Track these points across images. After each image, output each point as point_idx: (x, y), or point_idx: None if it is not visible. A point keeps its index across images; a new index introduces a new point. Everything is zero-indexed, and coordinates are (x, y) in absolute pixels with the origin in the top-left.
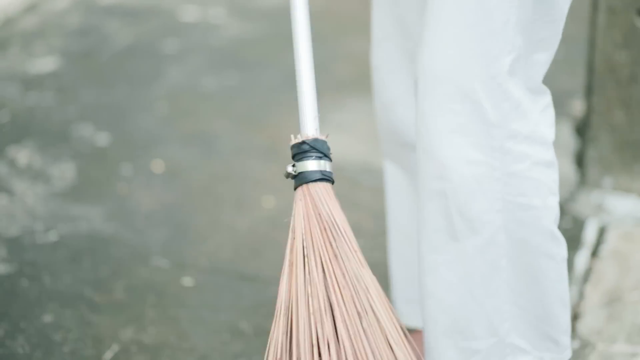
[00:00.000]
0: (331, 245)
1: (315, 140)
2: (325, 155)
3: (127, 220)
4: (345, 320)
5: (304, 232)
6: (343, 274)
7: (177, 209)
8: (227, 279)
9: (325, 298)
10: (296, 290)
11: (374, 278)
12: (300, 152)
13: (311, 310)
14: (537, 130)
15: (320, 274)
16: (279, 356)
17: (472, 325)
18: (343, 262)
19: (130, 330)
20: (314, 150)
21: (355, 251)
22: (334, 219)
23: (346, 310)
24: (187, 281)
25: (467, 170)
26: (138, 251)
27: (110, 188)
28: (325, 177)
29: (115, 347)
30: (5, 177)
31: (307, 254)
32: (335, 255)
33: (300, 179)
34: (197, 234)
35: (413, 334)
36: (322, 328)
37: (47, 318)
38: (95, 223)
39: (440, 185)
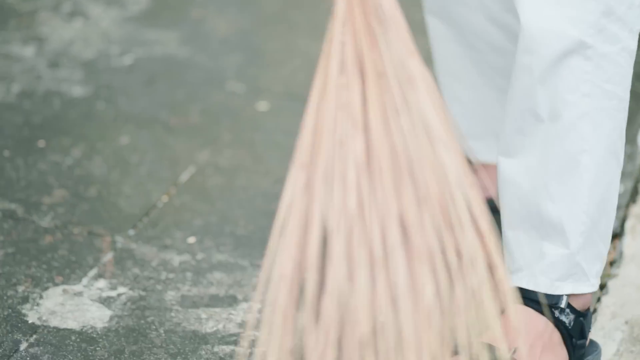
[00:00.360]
0: (373, 31)
1: None
2: None
3: (202, 44)
4: (378, 116)
5: (344, 17)
6: (383, 63)
7: (252, 34)
8: (302, 104)
9: (360, 90)
10: (328, 81)
11: (425, 72)
12: None
13: (340, 103)
14: (629, 14)
15: (356, 64)
16: (305, 159)
17: (545, 224)
18: (386, 50)
19: (206, 152)
20: None
21: (404, 39)
22: (381, 2)
23: (380, 103)
24: (262, 105)
25: (557, 44)
26: (213, 75)
27: (185, 13)
28: None
29: (191, 169)
30: (80, 0)
31: (343, 40)
32: (377, 42)
33: None
34: (272, 59)
35: (488, 168)
36: (351, 122)
37: (124, 140)
38: (170, 47)
39: (528, 59)
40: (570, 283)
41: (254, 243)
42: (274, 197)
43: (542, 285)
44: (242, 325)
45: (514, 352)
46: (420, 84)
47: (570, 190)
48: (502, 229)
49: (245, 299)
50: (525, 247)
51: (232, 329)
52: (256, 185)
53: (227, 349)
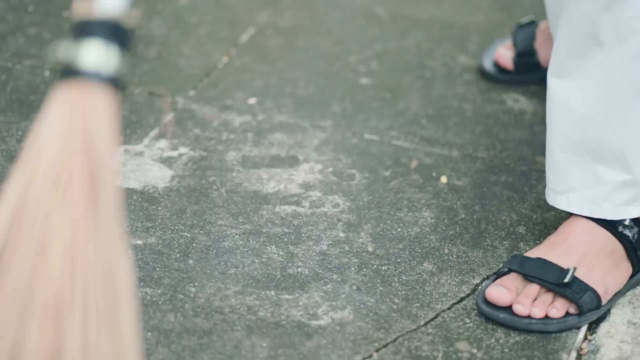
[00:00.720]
0: (93, 201)
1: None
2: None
3: None
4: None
5: (58, 162)
6: (96, 257)
7: None
8: None
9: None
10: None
11: (129, 282)
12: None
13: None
14: None
15: (59, 249)
16: None
17: (602, 149)
18: (101, 235)
19: (266, 13)
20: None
21: (117, 236)
22: (105, 160)
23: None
24: None
25: None
26: None
27: None
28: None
29: (251, 30)
30: None
31: (53, 199)
32: (96, 221)
33: (72, 72)
34: None
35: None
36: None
37: (183, 0)
38: None
39: None
40: (638, 206)
41: (314, 104)
42: (334, 58)
43: (606, 212)
44: (303, 185)
45: (574, 270)
46: (123, 300)
47: (632, 119)
48: (549, 150)
49: (306, 160)
50: (576, 169)
51: (294, 189)
52: (316, 46)
53: (289, 209)
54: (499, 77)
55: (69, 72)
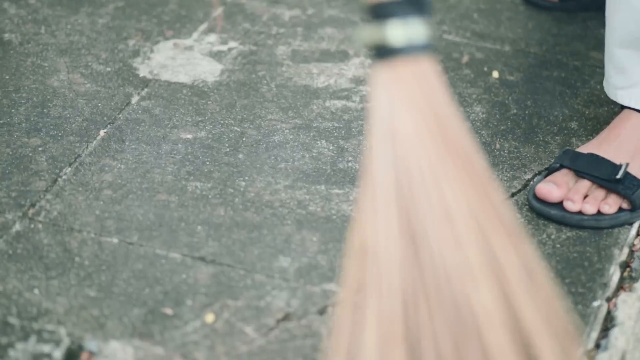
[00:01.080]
0: (466, 163)
1: None
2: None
3: None
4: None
5: (418, 135)
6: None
7: None
8: None
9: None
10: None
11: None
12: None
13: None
14: None
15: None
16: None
17: None
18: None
19: None
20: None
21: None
22: (455, 121)
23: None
24: None
25: None
26: None
27: None
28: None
29: None
30: None
31: (432, 169)
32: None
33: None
34: None
35: None
36: None
37: None
38: None
39: None
40: None
41: None
42: None
43: None
44: (353, 80)
45: (626, 166)
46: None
47: None
48: (608, 46)
49: (357, 54)
50: (636, 64)
51: (344, 83)
52: None
53: (339, 103)
54: (543, 4)
55: (384, 52)
